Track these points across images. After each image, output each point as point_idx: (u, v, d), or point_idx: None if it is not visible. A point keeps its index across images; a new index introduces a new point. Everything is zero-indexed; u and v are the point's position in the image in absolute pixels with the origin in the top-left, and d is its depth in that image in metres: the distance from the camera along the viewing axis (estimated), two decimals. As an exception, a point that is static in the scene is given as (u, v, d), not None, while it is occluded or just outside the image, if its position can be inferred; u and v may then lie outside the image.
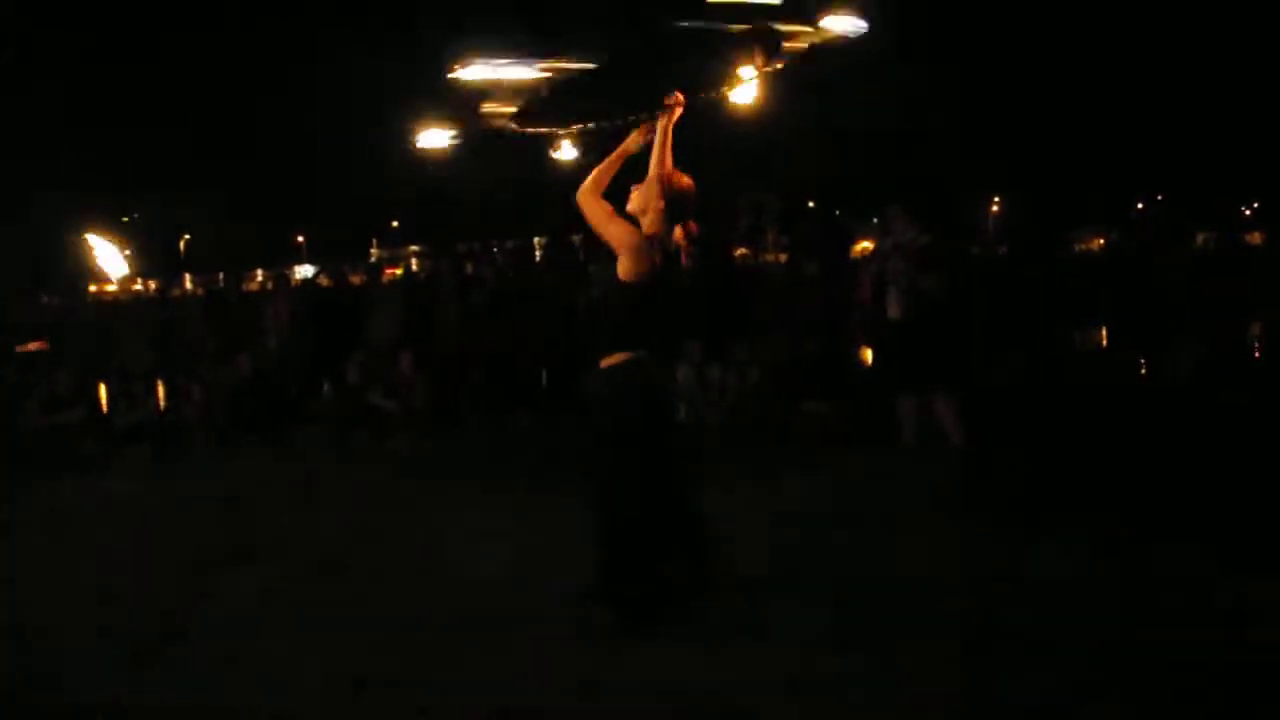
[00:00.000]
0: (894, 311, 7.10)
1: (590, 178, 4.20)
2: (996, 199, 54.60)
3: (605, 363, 4.16)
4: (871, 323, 10.56)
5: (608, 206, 4.18)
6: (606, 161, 4.28)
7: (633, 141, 4.33)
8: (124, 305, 25.37)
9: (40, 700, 3.83)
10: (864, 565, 4.81)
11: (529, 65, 4.21)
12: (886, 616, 4.11)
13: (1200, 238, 10.58)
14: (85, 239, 7.93)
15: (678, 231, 4.24)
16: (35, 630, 4.56)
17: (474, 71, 4.17)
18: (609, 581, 4.12)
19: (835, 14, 3.98)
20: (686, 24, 4.03)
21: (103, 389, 10.78)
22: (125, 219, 63.13)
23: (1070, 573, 4.60)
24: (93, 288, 54.66)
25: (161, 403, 10.61)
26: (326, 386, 10.78)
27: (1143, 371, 10.12)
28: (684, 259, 4.25)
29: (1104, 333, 12.03)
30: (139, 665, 4.08)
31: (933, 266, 6.78)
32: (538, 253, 14.16)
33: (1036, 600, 4.24)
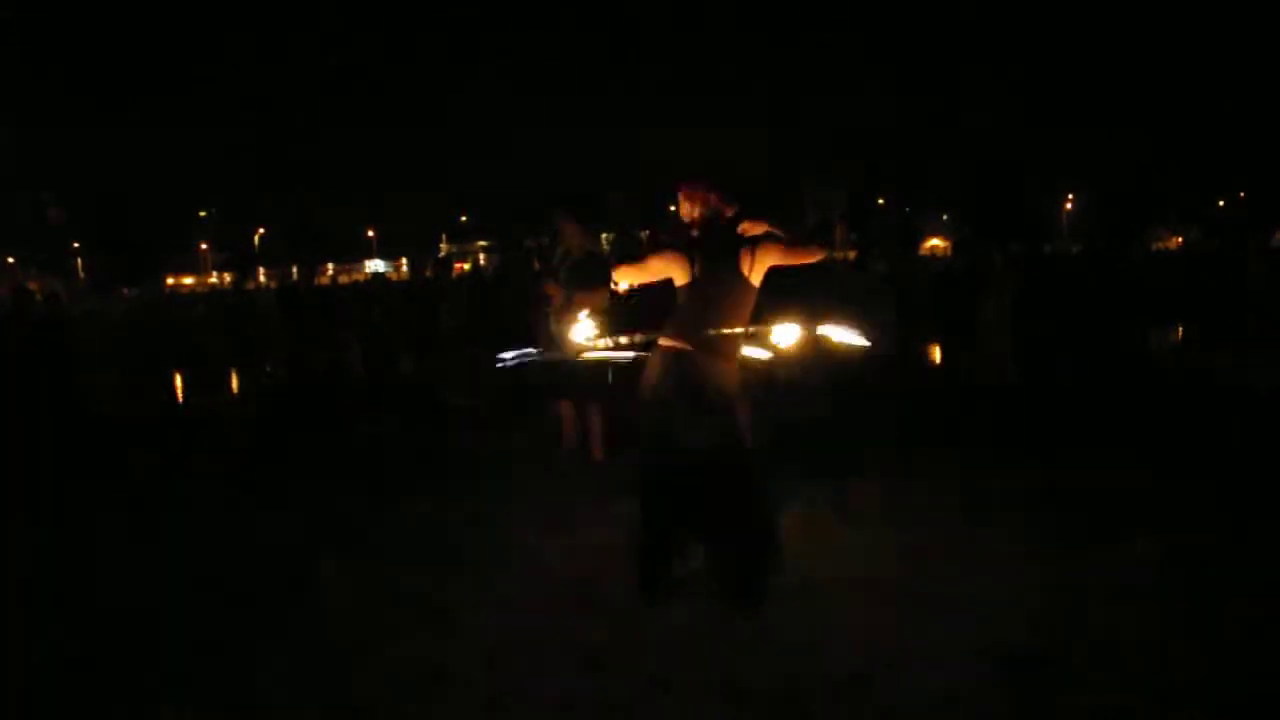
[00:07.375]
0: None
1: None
2: (1070, 195, 53.77)
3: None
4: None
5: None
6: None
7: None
8: (200, 297, 25.91)
9: (129, 684, 3.92)
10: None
11: None
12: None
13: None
14: None
15: None
16: (122, 616, 4.65)
17: None
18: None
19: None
20: None
21: (178, 379, 11.06)
22: (203, 214, 64.78)
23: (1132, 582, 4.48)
24: (170, 280, 56.10)
25: (235, 393, 10.87)
26: (396, 378, 10.94)
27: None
28: None
29: (1180, 333, 11.75)
30: (227, 651, 4.15)
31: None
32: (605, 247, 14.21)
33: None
